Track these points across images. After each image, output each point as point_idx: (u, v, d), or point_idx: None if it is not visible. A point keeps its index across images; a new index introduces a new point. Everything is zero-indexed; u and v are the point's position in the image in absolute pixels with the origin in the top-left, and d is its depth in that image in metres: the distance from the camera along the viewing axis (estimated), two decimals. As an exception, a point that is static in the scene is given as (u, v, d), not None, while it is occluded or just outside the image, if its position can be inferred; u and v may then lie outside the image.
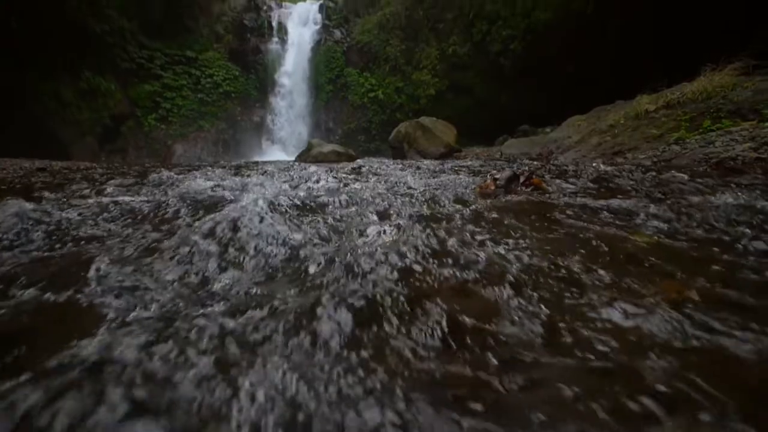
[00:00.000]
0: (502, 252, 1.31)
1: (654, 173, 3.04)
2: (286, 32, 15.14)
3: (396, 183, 3.00)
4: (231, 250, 1.31)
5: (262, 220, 1.53)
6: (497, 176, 2.76)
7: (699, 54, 4.71)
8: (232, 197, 2.22)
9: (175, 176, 3.37)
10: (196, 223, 1.54)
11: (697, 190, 2.32)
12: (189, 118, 13.70)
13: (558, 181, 2.94)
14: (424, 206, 2.11)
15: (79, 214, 1.87)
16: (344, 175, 3.53)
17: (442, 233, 1.47)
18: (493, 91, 12.17)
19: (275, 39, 15.01)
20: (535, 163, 4.75)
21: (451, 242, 1.39)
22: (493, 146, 9.02)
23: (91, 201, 2.22)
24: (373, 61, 14.51)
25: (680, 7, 6.91)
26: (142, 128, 12.97)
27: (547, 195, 2.45)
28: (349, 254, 1.22)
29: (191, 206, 2.04)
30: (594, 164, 4.00)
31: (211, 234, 1.38)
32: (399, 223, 1.65)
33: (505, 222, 1.72)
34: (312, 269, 1.18)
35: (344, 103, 14.64)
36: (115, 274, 1.11)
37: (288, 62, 14.91)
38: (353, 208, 2.04)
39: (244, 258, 1.27)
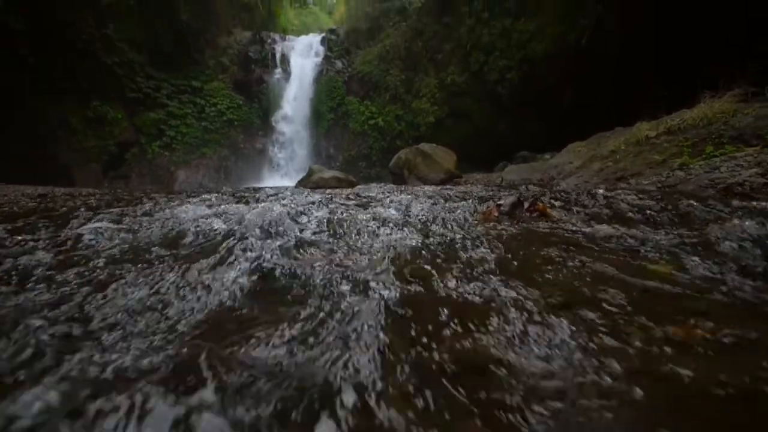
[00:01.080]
0: (509, 286, 1.22)
1: (661, 199, 2.97)
2: (289, 63, 15.61)
3: (398, 209, 2.93)
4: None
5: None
6: (501, 202, 2.69)
7: (698, 79, 4.76)
8: (223, 227, 2.11)
9: (171, 204, 3.31)
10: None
11: (710, 217, 2.24)
12: (192, 145, 13.89)
13: (563, 207, 2.86)
14: (428, 234, 2.02)
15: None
16: (344, 202, 3.47)
17: (446, 264, 1.38)
18: (491, 119, 12.36)
19: (278, 70, 15.45)
20: (538, 189, 4.70)
21: (456, 273, 1.30)
22: (493, 172, 9.03)
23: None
24: (374, 90, 14.85)
25: (679, 35, 7.07)
26: (146, 155, 13.12)
27: (554, 222, 2.36)
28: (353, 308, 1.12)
29: (167, 252, 1.71)
30: (598, 190, 3.94)
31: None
32: (401, 252, 1.56)
33: (512, 251, 1.63)
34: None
35: (345, 131, 14.87)
36: None
37: (290, 92, 15.28)
38: (352, 238, 1.95)
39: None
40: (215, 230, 1.90)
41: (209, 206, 2.96)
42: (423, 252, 1.60)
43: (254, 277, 1.27)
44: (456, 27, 13.02)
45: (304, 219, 2.34)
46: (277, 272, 1.31)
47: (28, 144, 10.00)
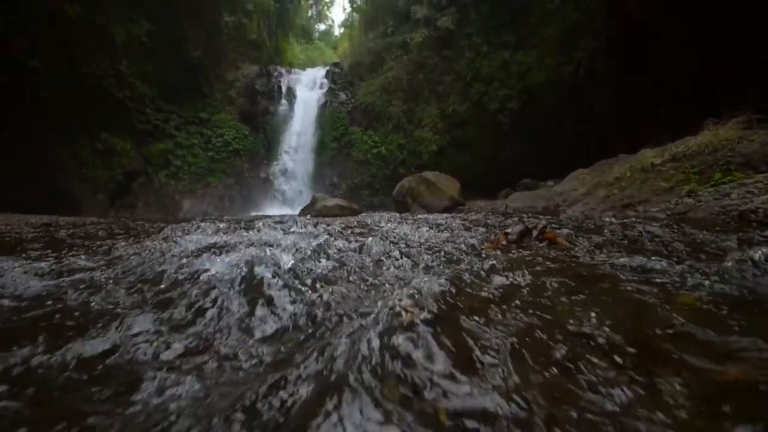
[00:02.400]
0: (527, 319, 1.13)
1: (673, 227, 2.90)
2: (294, 95, 16.08)
3: (403, 238, 2.86)
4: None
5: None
6: (509, 230, 2.62)
7: (700, 107, 4.80)
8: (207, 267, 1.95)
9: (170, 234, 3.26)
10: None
11: (726, 245, 2.16)
12: (198, 174, 14.08)
13: (572, 235, 2.79)
14: (434, 265, 1.95)
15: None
16: (348, 231, 3.41)
17: (457, 298, 1.30)
18: (493, 147, 12.51)
19: (284, 101, 15.90)
20: (544, 216, 4.64)
21: (470, 308, 1.22)
22: (497, 199, 9.02)
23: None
24: (377, 120, 15.17)
25: (681, 64, 7.21)
26: (153, 184, 13.28)
27: (564, 251, 2.28)
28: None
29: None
30: (606, 217, 3.88)
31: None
32: (410, 285, 1.48)
33: (525, 282, 1.55)
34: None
35: (348, 159, 15.07)
36: None
37: (295, 122, 15.64)
38: (356, 273, 1.88)
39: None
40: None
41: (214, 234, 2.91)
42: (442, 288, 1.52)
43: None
44: (456, 60, 13.46)
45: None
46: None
47: (38, 174, 10.16)
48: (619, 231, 2.89)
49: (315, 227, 3.66)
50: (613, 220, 3.59)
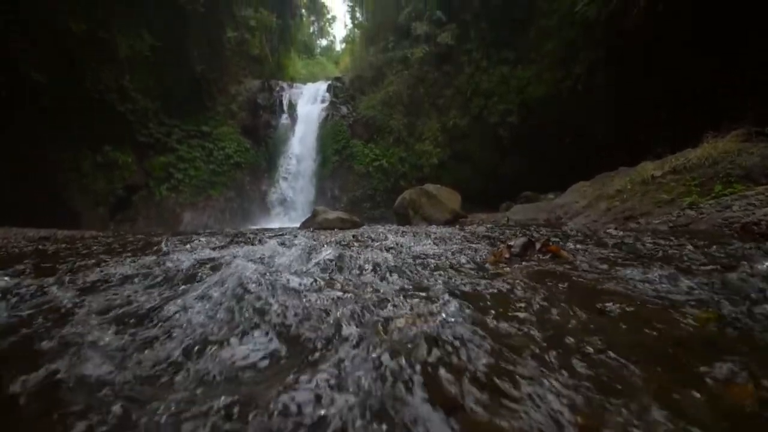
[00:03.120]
0: (535, 336, 1.11)
1: (676, 239, 2.88)
2: (296, 109, 16.26)
3: (406, 251, 2.84)
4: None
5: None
6: (511, 243, 2.61)
7: (700, 119, 4.83)
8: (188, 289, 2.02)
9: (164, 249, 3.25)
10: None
11: (732, 258, 2.14)
12: (199, 187, 14.11)
13: (576, 247, 2.77)
14: (438, 278, 1.93)
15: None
16: (349, 244, 3.39)
17: (461, 314, 1.28)
18: (493, 159, 12.59)
19: (285, 115, 16.07)
20: (546, 229, 4.62)
21: (477, 322, 1.19)
22: (498, 212, 9.01)
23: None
24: (378, 134, 15.30)
25: (680, 78, 7.28)
26: (154, 197, 13.29)
27: (568, 264, 2.26)
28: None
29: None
30: (608, 230, 3.86)
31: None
32: (413, 303, 1.46)
33: (530, 296, 1.52)
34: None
35: (349, 172, 15.13)
36: None
37: (297, 135, 15.77)
38: (358, 288, 1.86)
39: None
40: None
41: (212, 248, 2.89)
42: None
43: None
44: (456, 75, 13.66)
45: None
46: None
47: (39, 187, 10.19)
48: (622, 243, 2.87)
49: (315, 240, 3.65)
50: (617, 232, 3.57)
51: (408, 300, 1.45)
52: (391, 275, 1.99)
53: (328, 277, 1.95)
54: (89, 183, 11.51)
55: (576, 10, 8.87)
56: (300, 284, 1.69)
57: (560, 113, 10.09)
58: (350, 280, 1.90)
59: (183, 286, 1.78)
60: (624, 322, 1.25)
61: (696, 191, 4.18)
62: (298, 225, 9.06)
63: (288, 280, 1.70)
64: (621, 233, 3.42)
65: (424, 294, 1.57)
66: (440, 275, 1.98)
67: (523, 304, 1.43)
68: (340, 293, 1.60)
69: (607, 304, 1.39)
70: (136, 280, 1.96)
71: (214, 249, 2.97)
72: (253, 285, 1.53)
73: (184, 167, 13.98)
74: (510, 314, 1.32)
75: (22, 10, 8.94)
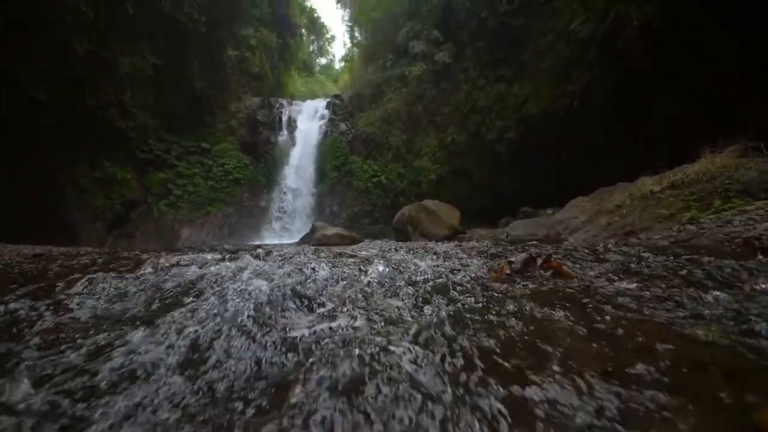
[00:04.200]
0: (537, 362, 1.06)
1: (678, 254, 2.84)
2: (295, 126, 16.43)
3: (405, 267, 2.80)
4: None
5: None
6: (512, 259, 2.57)
7: (698, 135, 4.87)
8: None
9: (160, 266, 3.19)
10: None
11: (736, 274, 2.10)
12: (198, 203, 14.10)
13: (577, 263, 2.73)
14: (437, 296, 1.88)
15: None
16: (348, 260, 3.35)
17: (461, 335, 1.23)
18: (491, 175, 12.65)
19: (285, 132, 16.22)
20: (546, 244, 4.58)
21: (474, 344, 1.15)
22: (497, 228, 8.98)
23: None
24: (377, 150, 15.42)
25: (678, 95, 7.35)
26: (152, 213, 13.26)
27: (571, 280, 2.22)
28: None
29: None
30: (608, 245, 3.82)
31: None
32: (413, 322, 1.41)
33: (534, 315, 1.48)
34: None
35: (348, 188, 15.17)
36: None
37: (296, 152, 15.89)
38: (359, 309, 1.81)
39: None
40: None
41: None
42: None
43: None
44: (453, 92, 13.88)
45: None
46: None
47: (37, 203, 10.14)
48: (624, 260, 2.83)
49: (314, 254, 3.60)
50: (618, 248, 3.54)
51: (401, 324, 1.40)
52: (384, 298, 1.94)
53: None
54: (88, 198, 11.49)
55: (571, 28, 9.07)
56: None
57: (558, 129, 10.19)
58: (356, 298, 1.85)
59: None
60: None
61: (695, 206, 4.17)
62: (296, 241, 9.01)
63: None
64: (622, 249, 3.39)
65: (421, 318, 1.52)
66: (437, 296, 1.93)
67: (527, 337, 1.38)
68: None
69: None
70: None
71: (204, 266, 2.92)
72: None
73: (183, 183, 14.00)
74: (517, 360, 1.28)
75: (21, 21, 9.03)
